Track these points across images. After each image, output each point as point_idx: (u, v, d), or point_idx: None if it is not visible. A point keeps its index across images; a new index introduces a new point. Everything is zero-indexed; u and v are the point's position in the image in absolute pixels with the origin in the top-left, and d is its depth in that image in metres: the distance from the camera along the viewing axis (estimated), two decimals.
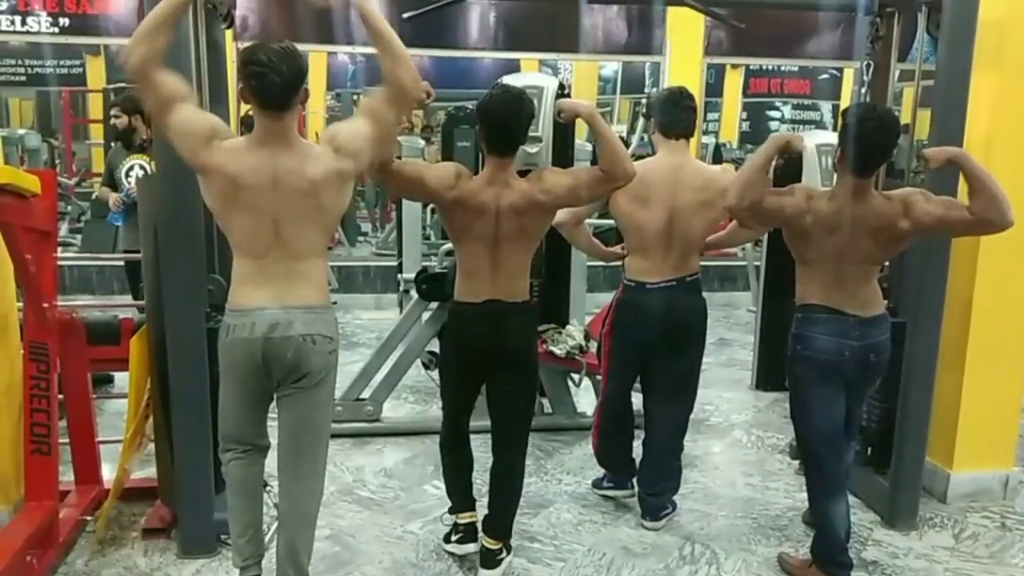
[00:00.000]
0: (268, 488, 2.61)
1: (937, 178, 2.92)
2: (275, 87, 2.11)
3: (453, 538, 2.87)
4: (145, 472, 3.21)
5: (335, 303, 6.95)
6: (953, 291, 3.13)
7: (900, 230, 2.52)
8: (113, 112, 5.34)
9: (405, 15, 3.30)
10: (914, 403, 3.12)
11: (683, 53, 6.58)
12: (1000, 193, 2.39)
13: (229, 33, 3.06)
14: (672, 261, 2.96)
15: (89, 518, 3.02)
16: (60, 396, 2.96)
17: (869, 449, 3.39)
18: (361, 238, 8.89)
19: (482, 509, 2.82)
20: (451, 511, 2.89)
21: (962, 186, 2.62)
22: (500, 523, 2.77)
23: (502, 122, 2.51)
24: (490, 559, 2.75)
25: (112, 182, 4.72)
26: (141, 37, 2.09)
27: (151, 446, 3.03)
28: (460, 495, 2.85)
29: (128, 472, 2.97)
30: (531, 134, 3.92)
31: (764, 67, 10.88)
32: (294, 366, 2.24)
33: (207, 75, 2.83)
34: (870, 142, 2.47)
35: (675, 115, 2.98)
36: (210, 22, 2.81)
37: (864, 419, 3.28)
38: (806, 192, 2.60)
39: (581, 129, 5.89)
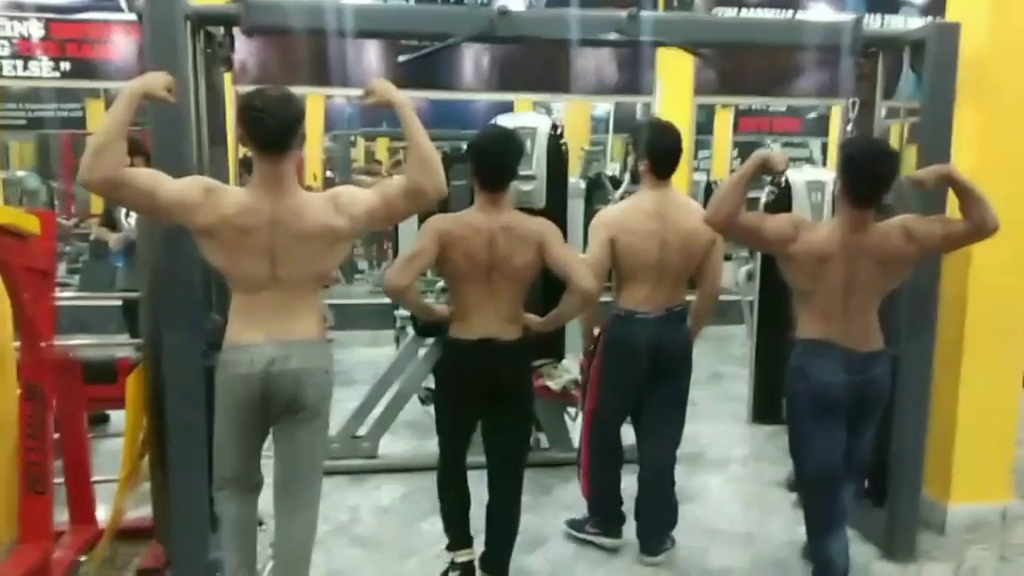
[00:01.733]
0: (263, 526, 2.60)
1: (925, 204, 2.97)
2: (272, 130, 2.18)
3: None
4: (140, 511, 3.18)
5: (331, 340, 6.91)
6: (944, 321, 3.16)
7: (907, 254, 2.58)
8: None
9: (400, 59, 3.37)
10: (909, 436, 3.13)
11: (673, 93, 6.68)
12: (987, 198, 2.51)
13: (228, 77, 3.12)
14: (664, 292, 2.99)
15: (83, 559, 2.99)
16: (56, 435, 2.96)
17: (866, 482, 3.39)
18: (358, 275, 8.94)
19: (479, 547, 2.81)
20: (448, 548, 2.88)
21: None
22: (497, 561, 2.76)
23: (493, 160, 2.59)
24: None
25: (111, 222, 4.75)
26: (101, 151, 2.08)
27: (146, 485, 3.01)
28: (457, 532, 2.84)
29: (123, 512, 2.95)
30: (525, 173, 4.01)
31: (753, 106, 11.04)
32: (292, 399, 2.27)
33: (206, 118, 2.88)
34: (871, 173, 2.53)
35: (668, 160, 3.03)
36: (209, 66, 2.87)
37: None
38: (794, 221, 2.63)
39: (573, 167, 5.97)
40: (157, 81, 2.28)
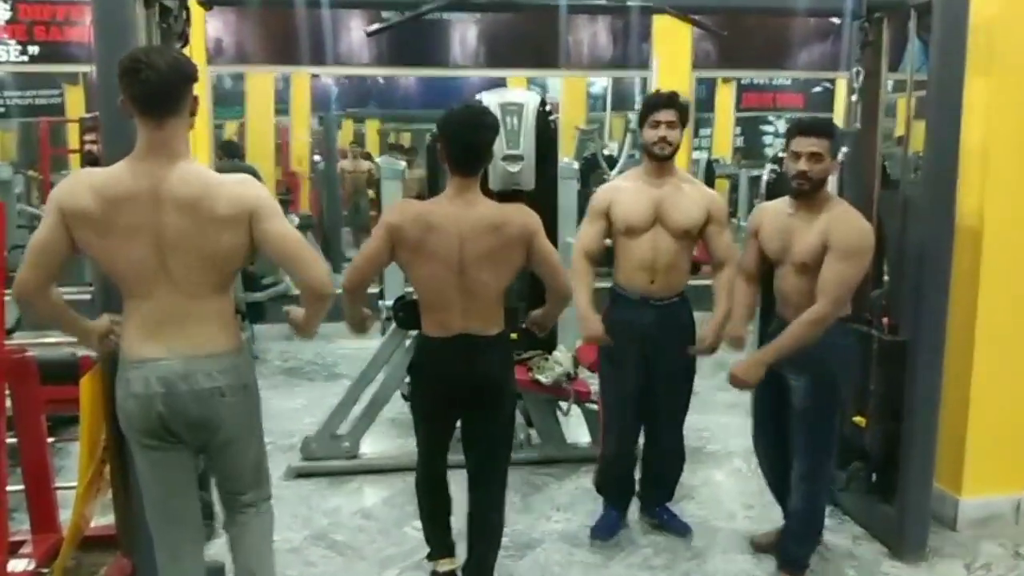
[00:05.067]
0: None
1: (932, 190, 2.81)
2: (153, 85, 1.84)
3: None
4: (109, 519, 3.02)
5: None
6: (955, 304, 2.96)
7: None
8: (88, 138, 5.18)
9: (367, 30, 3.16)
10: (919, 427, 2.95)
11: (671, 66, 6.45)
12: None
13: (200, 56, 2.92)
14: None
15: (45, 571, 2.83)
16: (14, 440, 2.79)
17: (874, 476, 3.22)
18: (346, 264, 8.74)
19: (463, 554, 2.63)
20: (429, 557, 2.71)
21: None
22: (480, 569, 2.58)
23: (466, 138, 2.35)
24: None
25: None
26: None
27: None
28: (438, 540, 2.67)
29: (88, 520, 2.78)
30: (512, 152, 3.81)
31: (756, 81, 10.76)
32: (201, 425, 1.97)
33: None
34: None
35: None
36: (165, 42, 2.67)
37: (867, 444, 3.14)
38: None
39: (569, 147, 5.76)
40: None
